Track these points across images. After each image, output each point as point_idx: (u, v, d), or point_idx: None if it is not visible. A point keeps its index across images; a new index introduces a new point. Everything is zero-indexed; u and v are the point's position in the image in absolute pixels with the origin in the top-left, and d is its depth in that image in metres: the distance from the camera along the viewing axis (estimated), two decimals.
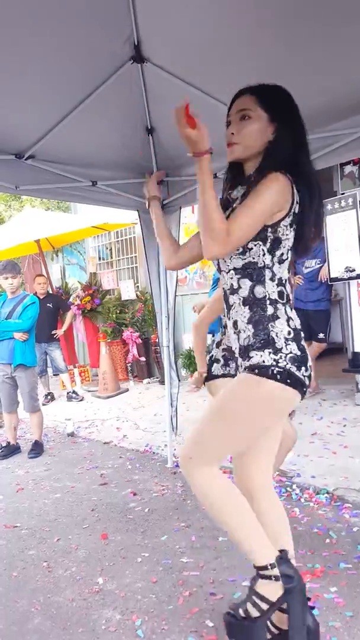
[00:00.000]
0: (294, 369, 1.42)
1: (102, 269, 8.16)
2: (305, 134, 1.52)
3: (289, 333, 1.46)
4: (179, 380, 3.66)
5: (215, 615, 1.83)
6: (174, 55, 2.11)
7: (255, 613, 1.46)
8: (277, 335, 1.44)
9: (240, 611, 1.48)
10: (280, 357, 1.42)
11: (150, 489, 3.13)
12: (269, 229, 1.42)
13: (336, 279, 4.60)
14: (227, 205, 1.56)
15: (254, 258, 1.44)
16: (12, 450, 4.24)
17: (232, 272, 1.50)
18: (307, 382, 1.48)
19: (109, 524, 2.68)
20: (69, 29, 1.84)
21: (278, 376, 1.41)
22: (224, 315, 1.62)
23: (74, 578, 2.19)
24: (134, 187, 3.31)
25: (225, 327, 1.66)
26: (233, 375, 1.70)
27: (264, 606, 1.46)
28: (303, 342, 1.48)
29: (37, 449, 4.17)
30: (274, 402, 1.46)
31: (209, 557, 2.24)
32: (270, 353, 1.42)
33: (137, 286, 7.31)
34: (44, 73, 2.10)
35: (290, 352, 1.43)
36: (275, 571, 1.48)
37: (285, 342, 1.44)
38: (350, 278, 4.53)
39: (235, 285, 1.50)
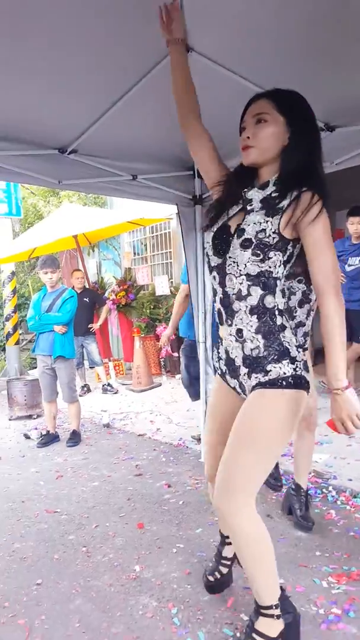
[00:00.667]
0: (305, 374, 1.48)
1: (136, 265, 8.23)
2: (320, 139, 1.52)
3: (297, 340, 1.52)
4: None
5: (250, 609, 1.83)
6: (219, 44, 2.10)
7: None
8: (289, 345, 1.47)
9: None
10: (297, 366, 1.46)
11: (184, 482, 3.16)
12: (291, 243, 1.43)
13: None
14: (232, 201, 1.54)
15: (269, 267, 1.43)
16: (51, 438, 4.36)
17: (243, 277, 1.45)
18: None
19: (144, 514, 2.73)
20: (111, 20, 1.86)
21: (298, 383, 1.45)
22: (222, 322, 1.56)
23: (112, 564, 2.24)
24: (173, 180, 3.33)
25: (219, 338, 1.59)
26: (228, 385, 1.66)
27: None
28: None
29: (75, 438, 4.28)
30: (297, 408, 1.47)
31: None
32: (288, 363, 1.45)
33: (171, 282, 7.34)
34: (87, 68, 2.13)
35: (303, 359, 1.49)
36: (278, 611, 1.55)
37: (297, 351, 1.48)
38: None
39: (245, 292, 1.46)
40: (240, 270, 1.45)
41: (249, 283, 1.46)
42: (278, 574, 1.59)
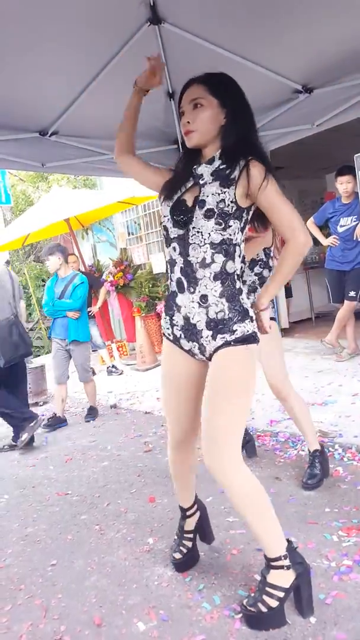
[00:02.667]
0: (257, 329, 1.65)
1: (132, 244, 8.18)
2: (253, 115, 1.65)
3: (250, 302, 1.65)
4: None
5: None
6: (191, 14, 2.05)
7: (273, 603, 1.58)
8: (247, 306, 1.62)
9: (259, 605, 1.59)
10: (254, 324, 1.62)
11: None
12: (245, 210, 1.57)
13: None
14: (185, 176, 1.65)
15: (230, 235, 1.55)
16: (57, 422, 4.43)
17: (207, 246, 1.55)
18: None
19: (155, 488, 2.77)
20: None
21: (255, 338, 1.62)
22: (182, 291, 1.63)
23: (125, 539, 2.28)
24: (158, 155, 3.28)
25: (176, 306, 1.67)
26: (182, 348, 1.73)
27: (280, 594, 1.59)
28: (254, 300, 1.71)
29: (93, 413, 4.50)
30: (254, 361, 1.63)
31: None
32: (249, 322, 1.60)
33: None
34: (60, 46, 2.08)
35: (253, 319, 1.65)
36: (287, 561, 1.61)
37: (252, 311, 1.64)
38: None
39: (208, 260, 1.56)
40: (204, 239, 1.56)
41: (212, 251, 1.56)
42: (289, 532, 1.66)
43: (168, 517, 2.42)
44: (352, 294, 4.62)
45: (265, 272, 2.61)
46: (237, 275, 1.61)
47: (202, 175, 1.60)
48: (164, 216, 1.65)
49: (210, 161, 1.61)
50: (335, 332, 4.77)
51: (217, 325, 1.59)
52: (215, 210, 1.53)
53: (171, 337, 1.73)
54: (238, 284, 1.61)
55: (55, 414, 4.47)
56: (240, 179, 1.53)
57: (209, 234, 1.54)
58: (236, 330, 1.57)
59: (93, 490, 2.89)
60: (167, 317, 1.72)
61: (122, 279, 7.27)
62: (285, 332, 6.65)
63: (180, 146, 3.25)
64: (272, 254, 2.56)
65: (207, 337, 1.61)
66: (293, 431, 3.18)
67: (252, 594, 1.65)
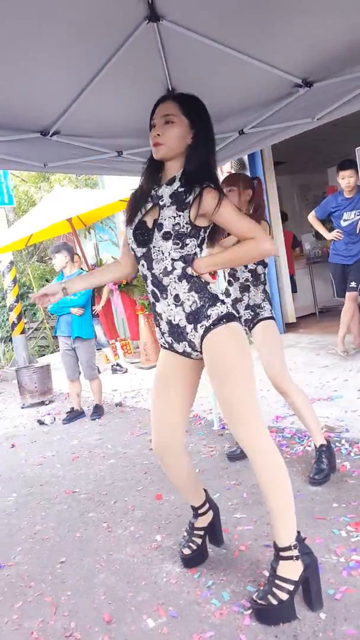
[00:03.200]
0: (234, 311, 1.75)
1: None
2: (215, 142, 1.78)
3: (220, 292, 1.81)
4: None
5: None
6: (189, 11, 2.04)
7: (283, 596, 1.59)
8: (217, 292, 1.73)
9: (269, 598, 1.59)
10: (227, 305, 1.72)
11: (199, 450, 3.20)
12: (202, 229, 1.69)
13: None
14: (146, 198, 1.74)
15: (189, 251, 1.67)
16: (76, 415, 4.58)
17: (168, 260, 1.67)
18: None
19: (162, 485, 2.77)
20: None
21: (233, 317, 1.70)
22: (158, 300, 1.75)
23: (133, 536, 2.29)
24: None
25: (158, 315, 1.79)
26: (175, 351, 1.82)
27: (290, 587, 1.60)
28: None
29: (98, 411, 4.54)
30: (241, 334, 1.71)
31: (262, 512, 2.29)
32: (220, 304, 1.70)
33: None
34: (59, 46, 2.07)
35: (229, 302, 1.77)
36: (296, 551, 1.62)
37: (224, 296, 1.76)
38: None
39: (170, 268, 1.68)
40: (165, 256, 1.68)
41: (172, 261, 1.68)
42: (297, 528, 1.65)
43: (175, 514, 2.43)
44: (352, 284, 4.61)
45: (260, 269, 2.62)
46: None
47: (162, 196, 1.71)
48: (129, 238, 1.77)
49: (171, 182, 1.71)
50: (342, 333, 4.75)
51: (194, 316, 1.69)
52: (172, 232, 1.64)
53: (166, 346, 1.83)
54: (203, 279, 1.71)
55: (73, 408, 4.62)
56: (194, 203, 1.64)
57: (169, 252, 1.66)
58: (210, 314, 1.68)
59: (100, 488, 2.90)
60: (157, 328, 1.83)
61: None
62: (289, 327, 6.65)
63: None
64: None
65: (191, 332, 1.71)
66: (299, 427, 3.18)
67: (262, 588, 1.66)
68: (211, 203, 1.63)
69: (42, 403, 5.41)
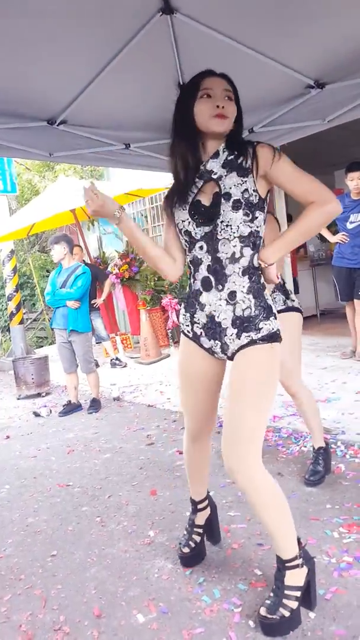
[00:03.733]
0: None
1: None
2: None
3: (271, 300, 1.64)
4: None
5: (263, 564, 1.88)
6: (204, 5, 2.02)
7: (293, 604, 1.57)
8: (270, 303, 1.61)
9: (281, 610, 1.56)
10: (277, 322, 1.61)
11: None
12: (265, 201, 1.58)
13: None
14: (193, 176, 1.61)
15: (257, 227, 1.56)
16: (73, 407, 4.57)
17: (236, 239, 1.54)
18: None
19: (157, 481, 2.77)
20: None
21: (279, 336, 1.61)
22: (210, 289, 1.59)
23: (126, 531, 2.28)
24: (168, 148, 3.26)
25: (199, 304, 1.63)
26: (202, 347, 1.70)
27: (297, 593, 1.58)
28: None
29: (95, 405, 4.52)
30: (279, 360, 1.62)
31: None
32: (273, 319, 1.59)
33: None
34: (71, 35, 2.05)
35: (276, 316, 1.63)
36: (301, 560, 1.60)
37: (275, 307, 1.64)
38: None
39: (238, 255, 1.55)
40: (233, 232, 1.54)
41: (241, 244, 1.55)
42: None
43: (169, 510, 2.42)
44: None
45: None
46: (260, 269, 1.61)
47: (212, 170, 1.59)
48: (183, 220, 1.61)
49: (216, 155, 1.60)
50: (357, 339, 4.73)
51: (243, 323, 1.56)
52: (242, 200, 1.52)
53: (190, 335, 1.70)
54: (261, 279, 1.60)
55: (70, 401, 4.61)
56: (254, 165, 1.53)
57: (238, 226, 1.53)
58: (262, 328, 1.56)
59: (94, 482, 2.89)
60: (188, 315, 1.69)
61: (128, 271, 7.25)
62: None
63: None
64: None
65: (231, 335, 1.58)
66: (296, 427, 3.18)
67: (269, 601, 1.59)
68: (268, 155, 1.52)
69: (39, 395, 5.39)
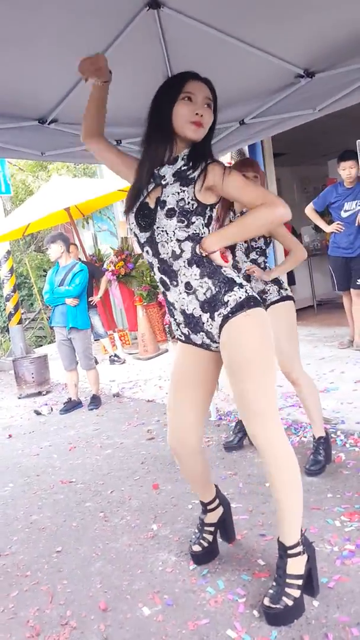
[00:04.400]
0: (254, 294, 1.64)
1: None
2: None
3: (233, 271, 1.67)
4: None
5: (266, 555, 1.90)
6: None
7: (296, 593, 1.58)
8: (232, 276, 1.63)
9: (284, 600, 1.56)
10: (246, 289, 1.61)
11: None
12: (208, 207, 1.63)
13: None
14: (147, 179, 1.66)
15: (195, 230, 1.60)
16: (73, 405, 4.59)
17: (174, 241, 1.59)
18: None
19: (158, 475, 2.79)
20: None
21: (254, 302, 1.60)
22: (169, 288, 1.67)
23: (130, 525, 2.30)
24: None
25: (170, 304, 1.71)
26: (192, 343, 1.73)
27: (299, 582, 1.59)
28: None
29: (95, 401, 4.55)
30: (263, 322, 1.61)
31: (257, 502, 2.31)
32: (238, 289, 1.59)
33: None
34: (57, 33, 2.04)
35: (249, 285, 1.68)
36: (301, 547, 1.61)
37: (241, 280, 1.66)
38: None
39: (178, 251, 1.60)
40: (170, 237, 1.60)
41: (179, 243, 1.60)
42: None
43: (172, 504, 2.44)
44: (359, 282, 4.56)
45: (261, 260, 2.59)
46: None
47: (164, 176, 1.64)
48: (131, 223, 1.69)
49: (173, 161, 1.66)
50: (359, 330, 4.73)
51: (210, 304, 1.60)
52: (176, 209, 1.57)
53: (183, 338, 1.74)
54: (214, 262, 1.62)
55: (71, 399, 4.63)
56: (199, 178, 1.59)
57: (174, 231, 1.58)
58: (228, 300, 1.58)
59: (97, 478, 2.91)
60: (172, 320, 1.74)
61: (123, 268, 7.25)
62: None
63: None
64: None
65: (207, 321, 1.62)
66: (295, 418, 3.20)
67: (272, 591, 1.60)
68: (218, 172, 1.57)
69: (39, 393, 5.41)
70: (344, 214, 4.52)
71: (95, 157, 2.03)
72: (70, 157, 3.16)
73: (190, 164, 1.62)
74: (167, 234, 1.59)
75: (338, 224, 4.55)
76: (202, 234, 1.62)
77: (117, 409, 4.39)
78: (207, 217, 1.63)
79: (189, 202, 1.57)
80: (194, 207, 1.58)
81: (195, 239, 1.60)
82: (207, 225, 1.64)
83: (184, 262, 1.60)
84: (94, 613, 1.74)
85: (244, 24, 2.18)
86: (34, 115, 2.71)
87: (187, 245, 1.60)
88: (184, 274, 1.61)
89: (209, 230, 1.65)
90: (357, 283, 4.56)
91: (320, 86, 2.65)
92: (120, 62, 2.33)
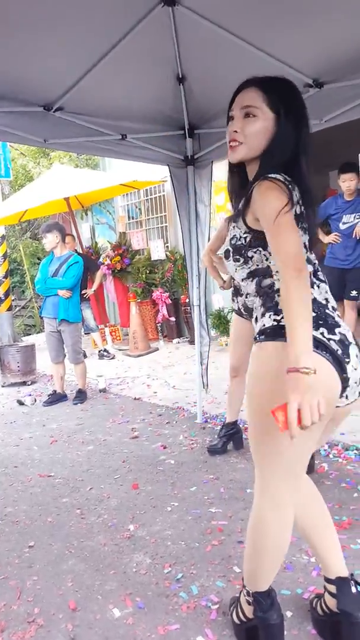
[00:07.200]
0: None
1: (131, 229, 8.11)
2: (309, 133, 1.40)
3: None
4: (210, 339, 3.66)
5: (242, 562, 1.87)
6: None
7: (243, 618, 1.51)
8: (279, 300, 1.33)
9: (235, 612, 1.54)
10: (274, 318, 1.34)
11: (180, 442, 3.19)
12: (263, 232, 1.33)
13: None
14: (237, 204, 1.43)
15: (258, 265, 1.36)
16: (58, 397, 4.55)
17: (243, 280, 1.43)
18: (333, 347, 1.25)
19: (139, 475, 2.76)
20: None
21: (276, 334, 1.28)
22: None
23: (106, 524, 2.27)
24: (164, 140, 3.24)
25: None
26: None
27: (244, 620, 1.51)
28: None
29: (81, 396, 4.50)
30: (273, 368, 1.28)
31: (237, 508, 2.29)
32: (270, 315, 1.33)
33: (167, 246, 7.24)
34: (72, 22, 2.02)
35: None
36: (247, 598, 1.47)
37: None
38: None
39: (248, 290, 1.44)
40: (237, 277, 1.45)
41: (247, 281, 1.42)
42: None
43: (151, 505, 2.41)
44: (354, 293, 4.59)
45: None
46: (277, 288, 1.34)
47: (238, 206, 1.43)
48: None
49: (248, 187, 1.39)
50: None
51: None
52: (230, 248, 1.40)
53: (236, 310, 1.78)
54: (277, 296, 1.34)
55: (56, 391, 4.58)
56: (246, 208, 1.33)
57: (235, 270, 1.42)
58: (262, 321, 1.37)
59: (76, 474, 2.88)
60: (235, 297, 1.83)
61: (120, 263, 7.22)
62: None
63: (186, 132, 3.21)
64: None
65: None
66: None
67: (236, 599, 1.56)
68: (254, 200, 1.28)
69: (24, 383, 5.35)
70: (342, 226, 4.54)
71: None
72: (73, 146, 3.13)
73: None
74: (234, 271, 1.44)
75: (336, 235, 4.57)
76: (265, 263, 1.36)
77: (102, 404, 4.35)
78: (269, 245, 1.30)
79: (240, 237, 1.37)
80: (248, 239, 1.35)
81: (258, 270, 1.37)
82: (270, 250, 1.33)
83: (251, 293, 1.43)
84: (63, 612, 1.72)
85: (257, 29, 2.16)
86: (40, 102, 2.68)
87: (253, 283, 1.40)
88: (251, 300, 1.44)
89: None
90: (351, 294, 4.59)
91: (328, 97, 2.64)
92: (132, 57, 2.31)
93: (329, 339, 1.26)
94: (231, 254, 1.40)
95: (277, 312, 1.31)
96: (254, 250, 1.35)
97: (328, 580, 1.50)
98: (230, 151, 1.38)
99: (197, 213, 3.41)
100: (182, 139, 3.29)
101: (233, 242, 1.39)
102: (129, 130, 3.07)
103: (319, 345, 1.23)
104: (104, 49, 2.26)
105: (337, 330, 1.29)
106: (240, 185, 1.46)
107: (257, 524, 1.38)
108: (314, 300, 1.29)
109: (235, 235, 1.38)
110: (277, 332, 1.28)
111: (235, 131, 1.35)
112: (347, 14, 2.00)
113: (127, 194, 7.93)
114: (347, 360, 1.27)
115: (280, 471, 1.32)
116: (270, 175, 1.28)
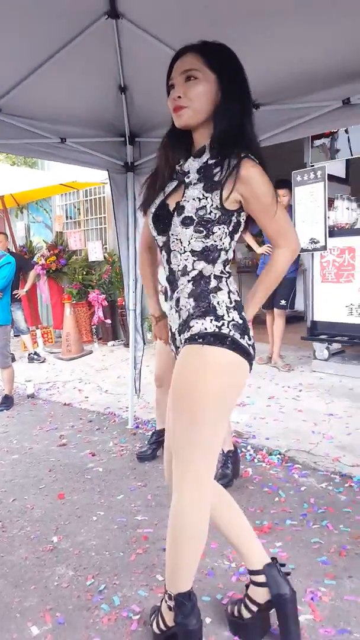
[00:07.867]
0: (237, 336, 1.36)
1: (69, 229, 7.97)
2: (251, 99, 1.43)
3: (230, 302, 1.40)
4: (144, 344, 3.67)
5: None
6: (150, 12, 2.03)
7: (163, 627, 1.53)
8: (218, 304, 1.38)
9: (155, 620, 1.56)
10: (223, 324, 1.36)
11: (109, 449, 3.18)
12: (235, 214, 1.37)
13: (301, 250, 4.62)
14: (169, 176, 1.45)
15: (215, 241, 1.36)
16: None
17: (188, 253, 1.38)
18: (251, 352, 1.40)
19: (66, 484, 2.72)
20: None
21: (221, 342, 1.34)
22: (167, 299, 1.54)
23: (29, 537, 2.22)
24: (105, 146, 3.23)
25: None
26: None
27: (161, 626, 1.54)
28: (244, 313, 1.43)
29: (7, 402, 4.34)
30: (220, 369, 1.35)
31: (164, 515, 2.30)
32: (211, 320, 1.35)
33: (105, 248, 7.19)
34: (15, 24, 1.99)
35: (232, 320, 1.37)
36: (169, 602, 1.49)
37: (227, 310, 1.38)
38: (315, 249, 4.60)
39: (190, 268, 1.39)
40: (184, 247, 1.38)
41: (194, 259, 1.39)
42: None
43: (76, 515, 2.38)
44: (282, 302, 4.79)
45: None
46: (215, 275, 1.41)
47: (188, 172, 1.40)
48: (149, 224, 1.48)
49: (200, 152, 1.40)
50: (277, 348, 4.93)
51: (183, 327, 1.42)
52: (195, 217, 1.33)
53: (172, 350, 1.55)
54: (213, 283, 1.40)
55: None
56: (227, 182, 1.32)
57: (189, 241, 1.36)
58: (192, 326, 1.37)
59: None
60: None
61: (55, 263, 7.08)
62: None
63: (127, 139, 3.21)
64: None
65: (179, 343, 1.45)
66: None
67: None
68: (249, 184, 1.31)
69: None
70: None
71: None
72: (11, 148, 3.04)
73: (217, 158, 1.35)
74: (181, 242, 1.37)
75: (268, 246, 4.76)
76: (222, 245, 1.38)
77: (29, 411, 4.24)
78: (232, 224, 1.38)
79: (210, 211, 1.33)
80: (217, 216, 1.34)
81: (214, 250, 1.37)
82: (233, 232, 1.39)
83: (189, 280, 1.41)
84: None
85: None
86: None
87: (201, 265, 1.38)
88: (181, 289, 1.42)
89: (231, 240, 1.40)
90: (280, 303, 4.80)
91: (264, 119, 2.73)
92: (74, 63, 2.30)
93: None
94: (194, 224, 1.34)
95: (217, 318, 1.36)
96: (220, 227, 1.35)
97: (255, 572, 1.56)
98: (176, 116, 1.38)
99: (135, 218, 3.42)
100: (123, 145, 3.29)
101: (201, 213, 1.33)
102: (69, 134, 3.04)
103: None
104: (46, 53, 2.24)
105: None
106: (173, 157, 1.45)
107: (177, 517, 1.43)
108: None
109: (204, 206, 1.33)
110: (220, 339, 1.34)
111: (179, 97, 1.35)
112: (286, 40, 2.09)
113: (66, 194, 7.80)
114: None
115: (199, 451, 1.37)
116: (251, 156, 1.33)
